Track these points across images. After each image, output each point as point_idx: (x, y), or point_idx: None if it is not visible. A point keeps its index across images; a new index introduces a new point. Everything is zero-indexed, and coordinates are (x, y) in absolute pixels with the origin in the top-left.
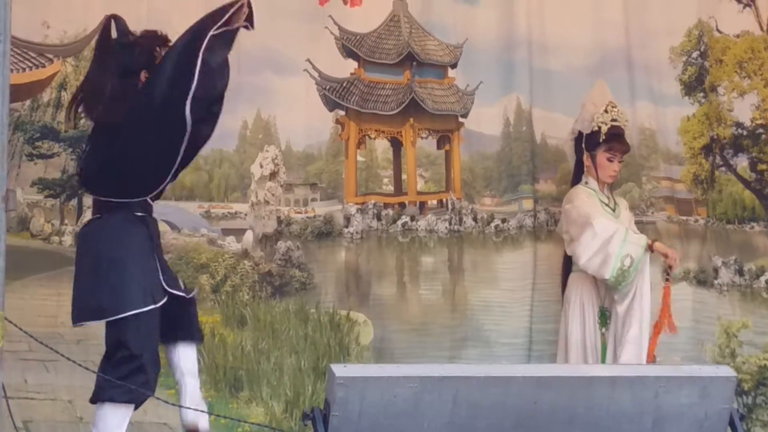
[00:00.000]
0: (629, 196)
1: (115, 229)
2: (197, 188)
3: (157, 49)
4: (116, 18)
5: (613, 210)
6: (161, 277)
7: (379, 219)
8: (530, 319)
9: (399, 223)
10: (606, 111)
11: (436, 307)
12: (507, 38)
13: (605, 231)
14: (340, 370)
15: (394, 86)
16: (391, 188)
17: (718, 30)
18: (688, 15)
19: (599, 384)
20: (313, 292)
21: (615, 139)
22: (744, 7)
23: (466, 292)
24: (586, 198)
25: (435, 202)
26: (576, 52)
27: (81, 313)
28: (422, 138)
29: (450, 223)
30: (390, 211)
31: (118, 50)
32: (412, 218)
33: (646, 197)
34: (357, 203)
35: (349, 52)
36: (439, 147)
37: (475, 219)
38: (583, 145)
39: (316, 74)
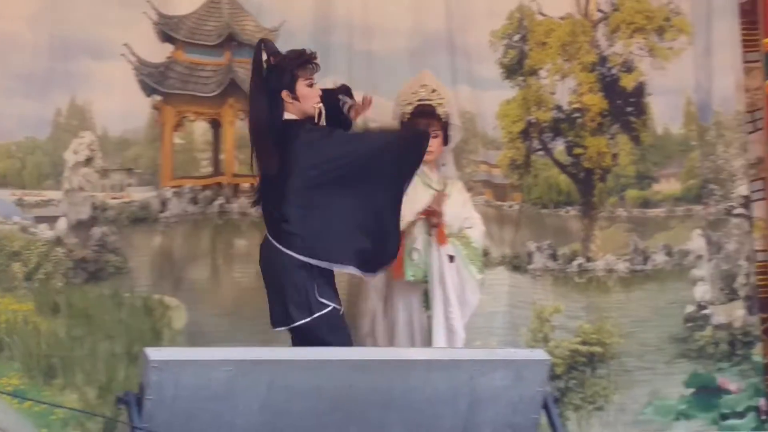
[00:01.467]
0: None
1: None
2: (10, 176)
3: (299, 69)
4: (265, 41)
5: (441, 191)
6: None
7: (195, 203)
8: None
9: (216, 204)
10: (413, 93)
11: (250, 290)
12: (325, 20)
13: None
14: (154, 353)
15: (214, 67)
16: (210, 170)
17: (541, 13)
18: None
19: (415, 367)
20: (127, 277)
21: (420, 116)
22: None
23: None
24: None
25: (248, 185)
26: (397, 35)
27: None
28: (240, 120)
29: None
30: (208, 193)
31: (267, 73)
32: (228, 200)
33: (466, 180)
34: (173, 187)
35: (166, 37)
36: None
37: None
38: None
39: (134, 59)
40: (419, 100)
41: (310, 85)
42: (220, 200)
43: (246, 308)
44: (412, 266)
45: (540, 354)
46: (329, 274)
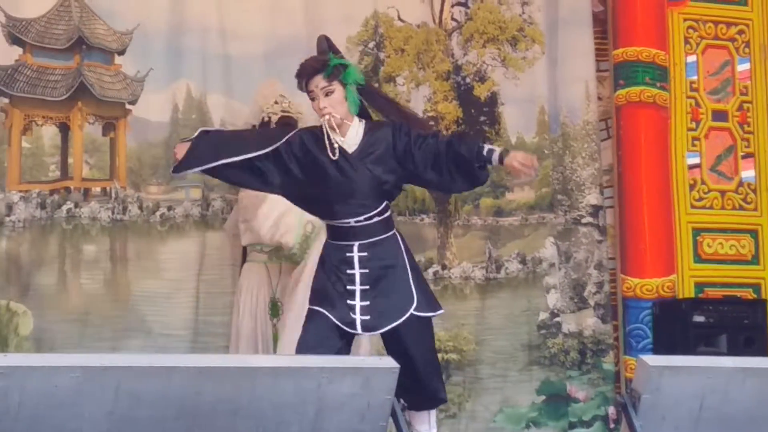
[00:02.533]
0: None
1: None
2: None
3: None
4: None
5: None
6: None
7: (43, 207)
8: (196, 311)
9: (63, 208)
10: (276, 102)
11: (97, 296)
12: (179, 24)
13: (281, 202)
14: None
15: (63, 71)
16: (58, 174)
17: (400, 19)
18: (365, 4)
19: (262, 374)
20: None
21: (285, 126)
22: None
23: (128, 282)
24: None
25: (99, 189)
26: (253, 38)
27: None
28: (90, 123)
29: (113, 212)
30: (56, 197)
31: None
32: (76, 205)
33: None
34: (20, 191)
35: (14, 39)
36: (104, 134)
37: (140, 207)
38: None
39: None
40: (282, 111)
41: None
42: (69, 205)
43: (93, 315)
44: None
45: (389, 362)
46: None
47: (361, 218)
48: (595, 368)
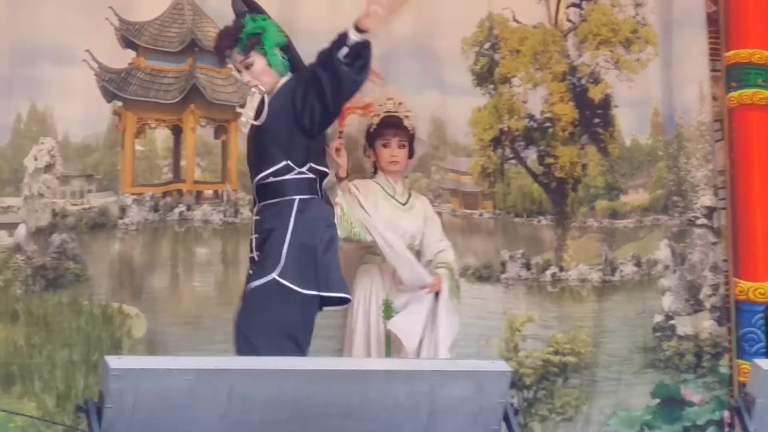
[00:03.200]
0: (417, 186)
1: None
2: None
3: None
4: None
5: (404, 204)
6: None
7: (156, 210)
8: None
9: (176, 211)
10: (380, 105)
11: (210, 299)
12: (289, 26)
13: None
14: (114, 361)
15: (176, 74)
16: (170, 176)
17: (515, 20)
18: (480, 5)
19: (374, 377)
20: (86, 284)
21: (386, 126)
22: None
23: (240, 284)
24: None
25: (211, 192)
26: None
27: None
28: (201, 126)
29: (225, 215)
30: (168, 199)
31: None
32: (189, 207)
33: (434, 188)
34: (133, 194)
35: (128, 43)
36: (216, 137)
37: (252, 210)
38: (365, 142)
39: (95, 65)
40: (386, 112)
41: None
42: (181, 208)
43: (206, 317)
44: None
45: (501, 365)
46: None
47: (257, 177)
48: (710, 372)
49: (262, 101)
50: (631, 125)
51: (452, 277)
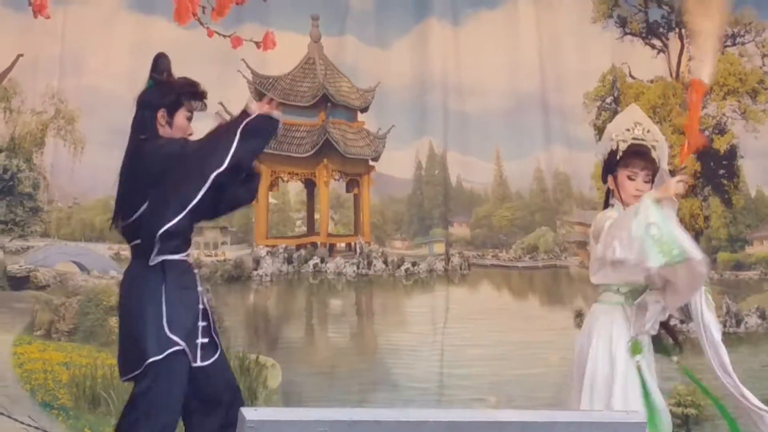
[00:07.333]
0: (543, 240)
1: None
2: (107, 230)
3: (186, 98)
4: (163, 56)
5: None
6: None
7: (290, 262)
8: (441, 363)
9: (310, 263)
10: (628, 129)
11: (344, 350)
12: (420, 82)
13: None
14: (250, 413)
15: (308, 128)
16: (304, 229)
17: (631, 76)
18: (602, 60)
19: (510, 429)
20: (223, 335)
21: (633, 156)
22: (657, 53)
23: (375, 335)
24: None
25: (344, 244)
26: (491, 95)
27: None
28: (335, 180)
29: (358, 267)
30: (302, 252)
31: (148, 85)
32: (322, 260)
33: (560, 242)
34: (267, 246)
35: (261, 96)
36: (348, 190)
37: (385, 262)
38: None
39: (228, 117)
40: (634, 138)
41: (189, 119)
42: (315, 260)
43: (340, 368)
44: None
45: (637, 416)
46: None
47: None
48: None
49: None
50: (756, 176)
51: None
